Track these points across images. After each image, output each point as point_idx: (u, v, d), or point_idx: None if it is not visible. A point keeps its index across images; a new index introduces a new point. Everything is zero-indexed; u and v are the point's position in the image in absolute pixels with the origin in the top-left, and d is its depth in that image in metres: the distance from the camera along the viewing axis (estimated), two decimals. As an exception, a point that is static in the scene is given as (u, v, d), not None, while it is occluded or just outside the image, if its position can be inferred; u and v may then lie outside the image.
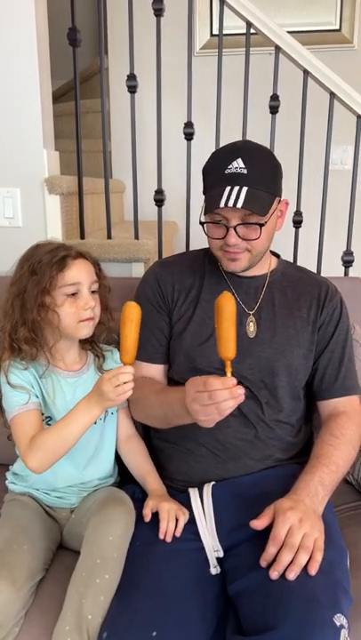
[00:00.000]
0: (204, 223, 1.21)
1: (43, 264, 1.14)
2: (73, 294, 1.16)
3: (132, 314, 1.04)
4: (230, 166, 1.15)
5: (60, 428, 1.10)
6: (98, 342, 1.30)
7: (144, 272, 1.78)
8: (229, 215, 1.16)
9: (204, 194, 1.22)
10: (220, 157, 1.19)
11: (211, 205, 1.15)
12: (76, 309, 1.16)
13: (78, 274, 1.16)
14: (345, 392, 1.28)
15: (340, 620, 0.92)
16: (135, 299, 1.32)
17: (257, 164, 1.16)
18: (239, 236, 1.17)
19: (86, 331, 1.19)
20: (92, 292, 1.20)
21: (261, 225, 1.16)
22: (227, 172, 1.15)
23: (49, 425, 1.18)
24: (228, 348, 1.02)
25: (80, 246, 1.24)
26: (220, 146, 1.31)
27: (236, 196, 1.12)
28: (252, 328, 1.26)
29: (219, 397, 0.99)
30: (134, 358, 1.04)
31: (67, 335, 1.20)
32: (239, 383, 1.02)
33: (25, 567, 1.07)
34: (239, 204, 1.11)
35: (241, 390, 1.00)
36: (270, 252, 1.32)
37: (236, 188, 1.12)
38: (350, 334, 1.33)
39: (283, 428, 1.26)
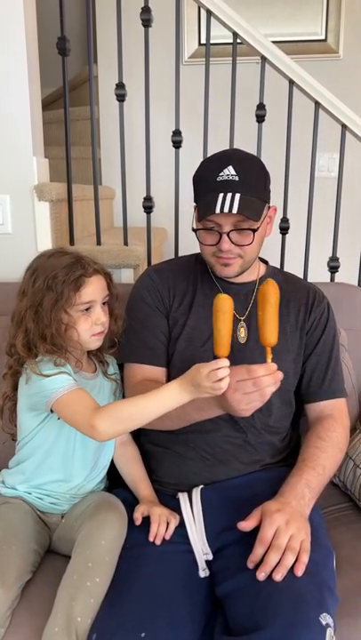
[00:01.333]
0: (197, 230, 1.22)
1: (59, 281, 1.14)
2: (86, 309, 1.18)
3: (223, 306, 1.03)
4: (222, 174, 1.16)
5: (141, 402, 1.06)
6: (102, 350, 1.31)
7: (134, 278, 1.79)
8: (222, 221, 1.17)
9: (195, 201, 1.23)
10: (211, 165, 1.21)
11: (205, 212, 1.16)
12: (89, 326, 1.18)
13: (93, 292, 1.18)
14: (332, 395, 1.30)
15: (326, 619, 0.93)
16: (132, 303, 1.33)
17: (248, 172, 1.18)
18: (232, 242, 1.18)
19: (97, 344, 1.22)
20: (103, 303, 1.21)
21: (254, 230, 1.18)
22: (219, 179, 1.16)
23: None
24: (273, 334, 1.06)
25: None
26: (208, 153, 1.32)
27: (230, 203, 1.13)
28: (242, 334, 1.28)
29: (264, 383, 1.01)
30: (229, 350, 1.03)
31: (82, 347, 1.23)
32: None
33: (14, 568, 1.07)
34: (234, 210, 1.13)
35: (281, 375, 1.03)
36: (259, 258, 1.34)
37: (230, 195, 1.14)
38: (337, 338, 1.35)
39: (272, 433, 1.27)
